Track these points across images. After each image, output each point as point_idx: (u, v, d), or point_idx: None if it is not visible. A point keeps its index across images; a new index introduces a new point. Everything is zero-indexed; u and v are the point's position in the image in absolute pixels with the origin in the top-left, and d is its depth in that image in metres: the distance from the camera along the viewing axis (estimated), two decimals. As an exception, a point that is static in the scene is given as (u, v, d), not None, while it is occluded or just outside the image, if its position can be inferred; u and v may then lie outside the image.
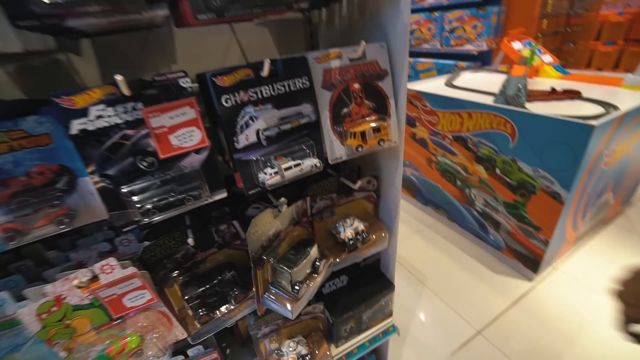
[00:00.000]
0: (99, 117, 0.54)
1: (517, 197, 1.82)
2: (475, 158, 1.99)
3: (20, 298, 0.64)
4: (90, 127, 0.53)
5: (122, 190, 0.56)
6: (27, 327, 0.64)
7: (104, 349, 0.70)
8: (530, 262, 1.89)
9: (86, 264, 0.73)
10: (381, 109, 0.80)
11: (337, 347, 1.12)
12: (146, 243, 0.74)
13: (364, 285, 1.12)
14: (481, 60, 2.85)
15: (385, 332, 1.18)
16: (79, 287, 0.64)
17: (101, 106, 0.54)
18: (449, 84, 2.27)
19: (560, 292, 1.82)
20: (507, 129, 1.74)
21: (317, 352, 1.04)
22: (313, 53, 0.69)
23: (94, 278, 0.64)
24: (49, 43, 0.65)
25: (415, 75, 3.49)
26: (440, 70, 3.22)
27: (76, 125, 0.52)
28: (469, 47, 2.83)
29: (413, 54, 3.48)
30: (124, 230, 0.58)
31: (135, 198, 0.56)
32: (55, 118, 0.55)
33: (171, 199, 0.58)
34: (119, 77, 0.50)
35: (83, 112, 0.53)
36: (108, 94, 0.55)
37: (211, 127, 0.69)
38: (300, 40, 1.02)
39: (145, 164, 0.57)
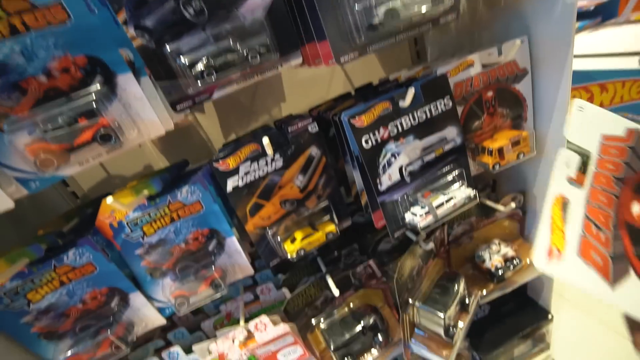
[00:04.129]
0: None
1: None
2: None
3: (187, 350, 0.68)
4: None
5: (167, 49, 0.41)
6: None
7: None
8: None
9: (234, 314, 0.75)
10: (516, 115, 0.66)
11: (486, 386, 0.97)
12: (285, 290, 0.73)
13: (512, 315, 0.95)
14: (602, 15, 2.31)
15: (544, 369, 0.98)
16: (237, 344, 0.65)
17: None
18: (562, 54, 1.89)
19: None
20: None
21: (466, 394, 0.91)
22: (444, 67, 0.59)
23: (249, 334, 0.65)
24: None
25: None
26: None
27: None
28: (581, 3, 2.32)
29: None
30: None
31: (184, 59, 0.42)
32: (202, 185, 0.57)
33: (229, 57, 0.42)
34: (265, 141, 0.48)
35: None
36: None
37: (333, 166, 0.64)
38: (405, 51, 0.92)
39: (191, 11, 0.41)
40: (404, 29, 0.44)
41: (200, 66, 0.40)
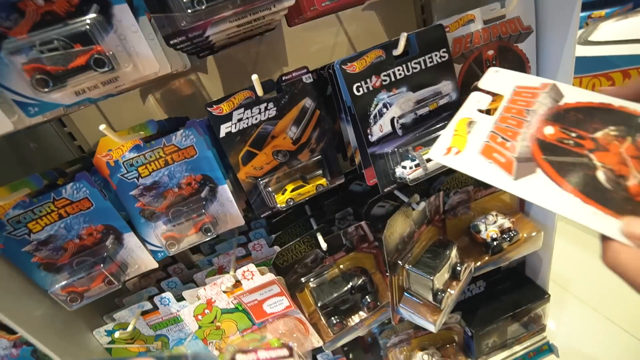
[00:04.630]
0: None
1: None
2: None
3: (178, 298, 0.70)
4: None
5: None
6: (187, 325, 0.70)
7: (250, 352, 0.71)
8: None
9: (226, 267, 0.76)
10: None
11: (477, 363, 0.96)
12: (277, 248, 0.74)
13: (507, 293, 0.94)
14: (633, 1, 2.20)
15: (539, 352, 0.97)
16: (225, 292, 0.67)
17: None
18: (584, 41, 1.81)
19: None
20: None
21: (455, 368, 0.91)
22: (443, 22, 0.58)
23: (237, 283, 0.66)
24: (186, 63, 0.70)
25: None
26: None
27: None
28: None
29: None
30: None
31: None
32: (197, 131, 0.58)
33: None
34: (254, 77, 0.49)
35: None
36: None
37: (327, 121, 0.64)
38: (411, 18, 0.91)
39: None
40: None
41: (190, -5, 0.41)
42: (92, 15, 0.42)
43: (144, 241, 0.62)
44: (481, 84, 0.40)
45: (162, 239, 0.59)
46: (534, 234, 0.79)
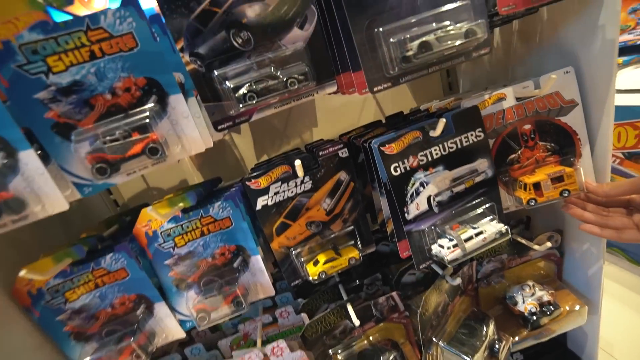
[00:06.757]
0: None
1: None
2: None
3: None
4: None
5: (215, 73, 0.46)
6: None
7: None
8: None
9: (251, 335, 0.74)
10: (566, 149, 0.63)
11: None
12: (304, 315, 0.72)
13: (548, 368, 0.87)
14: (643, 53, 2.22)
15: None
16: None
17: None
18: (605, 92, 1.81)
19: None
20: None
21: None
22: (471, 100, 0.59)
23: (265, 358, 0.64)
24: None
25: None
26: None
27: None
28: (627, 37, 2.24)
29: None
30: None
31: (229, 83, 0.46)
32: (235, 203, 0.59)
33: (270, 83, 0.46)
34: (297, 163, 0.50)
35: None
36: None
37: (360, 191, 0.64)
38: (436, 82, 0.94)
39: (239, 40, 0.45)
40: (437, 62, 0.46)
41: (243, 90, 0.44)
42: (151, 105, 0.46)
43: (173, 310, 0.61)
44: None
45: (193, 311, 0.58)
46: (577, 307, 0.74)
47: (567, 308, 0.75)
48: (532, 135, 0.64)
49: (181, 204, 0.58)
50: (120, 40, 0.41)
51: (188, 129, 0.49)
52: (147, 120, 0.44)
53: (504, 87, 0.61)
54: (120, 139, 0.43)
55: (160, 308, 0.60)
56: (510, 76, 0.75)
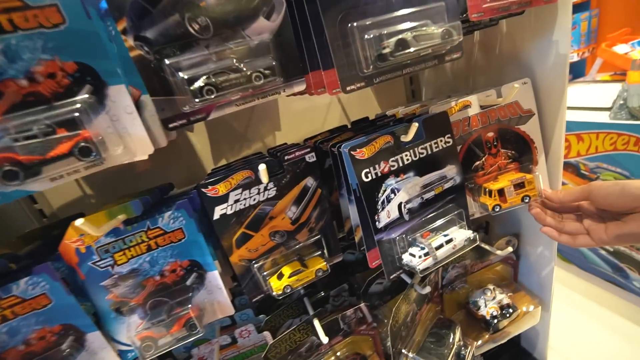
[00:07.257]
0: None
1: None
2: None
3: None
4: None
5: (166, 62, 0.39)
6: None
7: None
8: None
9: (207, 359, 0.66)
10: (524, 157, 0.66)
11: None
12: (267, 334, 0.66)
13: (505, 368, 0.90)
14: (571, 73, 2.52)
15: None
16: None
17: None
18: (541, 107, 2.00)
19: None
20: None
21: None
22: (440, 106, 0.59)
23: (222, 384, 0.57)
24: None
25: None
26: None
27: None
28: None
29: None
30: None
31: (182, 74, 0.39)
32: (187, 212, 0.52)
33: (232, 77, 0.40)
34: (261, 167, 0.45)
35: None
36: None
37: (327, 199, 0.61)
38: (400, 88, 0.94)
39: (196, 26, 0.38)
40: (411, 63, 0.44)
41: (200, 83, 0.38)
42: (84, 96, 0.38)
43: (112, 340, 0.52)
44: None
45: (136, 340, 0.50)
46: (531, 308, 0.78)
47: (524, 309, 0.78)
48: (495, 143, 0.65)
49: (122, 215, 0.49)
50: (40, 13, 0.33)
51: (133, 127, 0.41)
52: (77, 114, 0.36)
53: (466, 95, 0.62)
54: (39, 135, 0.35)
55: (94, 339, 0.50)
56: (471, 85, 0.77)
